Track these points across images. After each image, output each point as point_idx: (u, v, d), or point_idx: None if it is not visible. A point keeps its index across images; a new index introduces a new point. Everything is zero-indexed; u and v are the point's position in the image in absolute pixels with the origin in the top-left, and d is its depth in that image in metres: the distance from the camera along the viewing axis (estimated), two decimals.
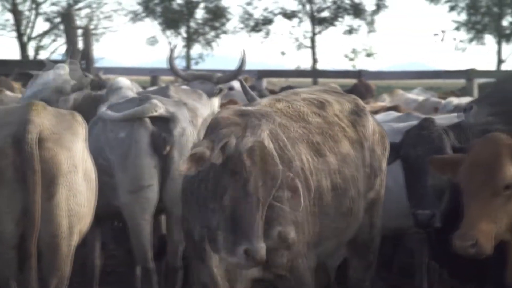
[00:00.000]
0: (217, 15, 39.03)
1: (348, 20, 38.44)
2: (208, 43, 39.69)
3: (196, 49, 39.78)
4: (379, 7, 38.37)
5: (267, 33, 38.91)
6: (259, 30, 38.95)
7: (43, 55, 34.88)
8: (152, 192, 5.58)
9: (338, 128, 4.71)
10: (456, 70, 18.02)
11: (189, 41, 39.12)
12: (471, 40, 38.45)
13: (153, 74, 15.91)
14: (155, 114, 5.57)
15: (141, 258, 5.64)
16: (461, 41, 36.36)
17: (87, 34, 15.40)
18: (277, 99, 4.70)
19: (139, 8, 39.13)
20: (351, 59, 39.87)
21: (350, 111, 4.91)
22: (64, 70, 6.68)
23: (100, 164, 5.29)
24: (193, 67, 35.19)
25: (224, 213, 3.87)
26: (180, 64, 33.66)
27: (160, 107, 5.59)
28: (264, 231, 3.90)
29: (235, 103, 8.49)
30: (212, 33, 39.67)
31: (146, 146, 5.55)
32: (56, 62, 6.56)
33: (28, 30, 34.84)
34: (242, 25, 39.05)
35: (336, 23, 38.12)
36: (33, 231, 4.29)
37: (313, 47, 37.38)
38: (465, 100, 8.68)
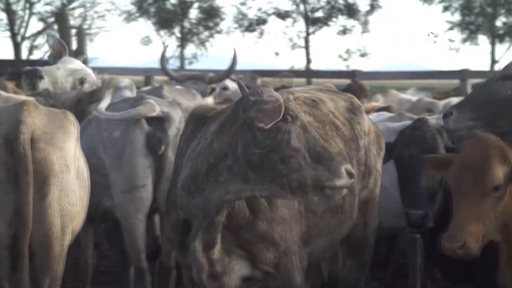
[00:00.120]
0: (211, 15, 39.03)
1: (342, 20, 38.50)
2: (202, 43, 39.70)
3: (190, 49, 39.81)
4: (373, 7, 38.43)
5: (261, 33, 38.94)
6: (253, 30, 38.97)
7: (36, 55, 34.87)
8: (146, 192, 5.58)
9: (329, 126, 4.70)
10: (450, 70, 18.05)
11: (183, 41, 39.12)
12: (464, 41, 38.54)
13: (147, 74, 15.92)
14: (153, 114, 5.57)
15: (134, 258, 5.64)
16: (451, 40, 36.37)
17: (81, 34, 15.39)
18: None
19: (132, 8, 39.14)
20: (345, 59, 39.94)
21: (345, 109, 4.90)
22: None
23: (93, 164, 5.30)
24: (187, 67, 35.20)
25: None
26: (174, 64, 33.68)
27: (157, 108, 5.59)
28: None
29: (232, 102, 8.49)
30: (206, 33, 39.68)
31: (141, 146, 5.55)
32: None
33: (22, 30, 34.79)
34: (236, 25, 39.08)
35: (330, 23, 38.16)
36: (25, 232, 4.29)
37: (307, 47, 37.39)
38: None
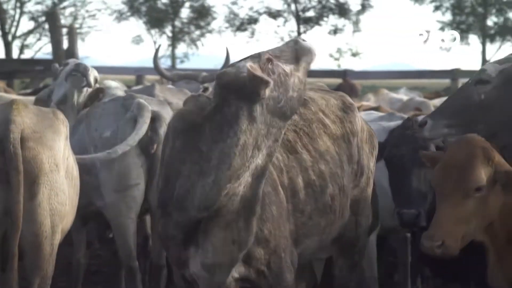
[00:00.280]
0: (202, 14, 39.02)
1: (333, 20, 38.57)
2: (193, 42, 39.70)
3: (181, 48, 39.82)
4: (364, 7, 38.50)
5: (253, 33, 38.97)
6: (245, 30, 38.99)
7: (27, 54, 34.82)
8: (138, 191, 5.58)
9: (316, 125, 4.69)
10: (441, 70, 18.11)
11: (174, 40, 39.11)
12: (455, 40, 38.61)
13: (138, 73, 15.91)
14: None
15: (125, 256, 5.63)
16: (442, 40, 36.43)
17: (72, 33, 15.36)
18: None
19: (124, 7, 39.14)
20: (336, 59, 39.99)
21: (337, 107, 4.88)
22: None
23: (84, 164, 5.28)
24: (178, 66, 35.19)
25: None
26: (165, 63, 33.64)
27: (149, 109, 5.55)
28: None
29: None
30: (197, 32, 39.69)
31: (133, 145, 5.54)
32: (41, 61, 6.48)
33: (13, 29, 34.72)
34: (227, 25, 39.09)
35: (321, 22, 38.22)
36: (15, 231, 4.26)
37: None
38: None
